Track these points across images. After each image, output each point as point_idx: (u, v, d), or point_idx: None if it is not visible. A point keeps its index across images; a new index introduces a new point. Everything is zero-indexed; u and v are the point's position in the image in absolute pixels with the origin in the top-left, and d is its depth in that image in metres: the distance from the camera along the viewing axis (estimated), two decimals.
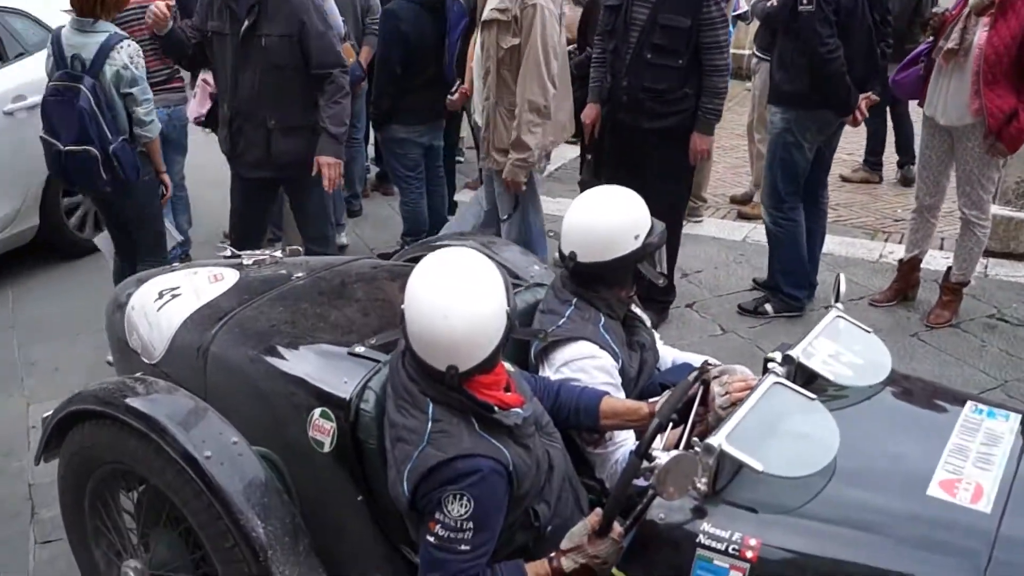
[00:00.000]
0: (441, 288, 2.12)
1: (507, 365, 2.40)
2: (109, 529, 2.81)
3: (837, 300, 2.59)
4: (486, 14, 4.58)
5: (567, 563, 2.12)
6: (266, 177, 4.55)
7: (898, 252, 5.68)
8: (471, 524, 2.09)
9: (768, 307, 5.17)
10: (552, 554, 2.16)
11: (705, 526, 1.95)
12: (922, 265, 5.35)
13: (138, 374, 2.78)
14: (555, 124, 4.72)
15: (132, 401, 2.51)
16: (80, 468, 2.73)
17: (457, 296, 2.10)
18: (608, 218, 2.68)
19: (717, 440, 1.94)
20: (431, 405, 2.17)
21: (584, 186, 4.88)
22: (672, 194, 4.77)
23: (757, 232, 6.28)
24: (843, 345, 2.42)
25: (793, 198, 5.03)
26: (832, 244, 5.81)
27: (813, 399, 2.16)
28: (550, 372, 2.67)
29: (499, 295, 2.15)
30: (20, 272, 5.88)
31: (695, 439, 1.97)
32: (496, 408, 2.16)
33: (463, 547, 2.10)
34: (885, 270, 5.76)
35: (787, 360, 2.29)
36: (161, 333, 2.98)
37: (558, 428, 2.49)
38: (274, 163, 4.45)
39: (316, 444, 2.48)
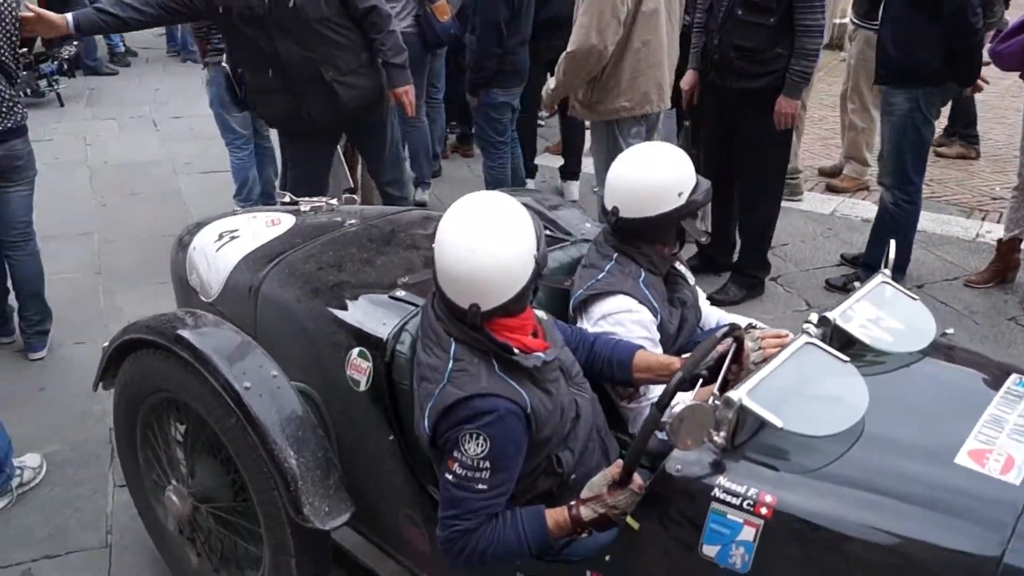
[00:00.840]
0: (469, 226, 2.14)
1: (540, 313, 2.41)
2: (157, 455, 2.91)
3: (886, 266, 2.54)
4: None
5: (586, 512, 2.13)
6: (338, 127, 4.62)
7: (996, 231, 5.51)
8: (487, 463, 2.11)
9: (858, 284, 5.02)
10: (572, 502, 2.17)
11: (721, 480, 1.93)
12: (1022, 246, 5.17)
13: (187, 308, 2.85)
14: (633, 90, 4.55)
15: (180, 332, 2.59)
16: (133, 396, 2.83)
17: (484, 235, 2.11)
18: (652, 174, 2.66)
19: (737, 394, 1.92)
20: (453, 344, 2.19)
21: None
22: (767, 162, 4.71)
23: (846, 206, 6.16)
24: (885, 311, 2.37)
25: (920, 178, 4.87)
26: (925, 222, 5.59)
27: (846, 361, 2.12)
28: (588, 325, 2.67)
29: (527, 240, 2.16)
30: (106, 219, 6.09)
31: (715, 392, 1.94)
32: (516, 350, 2.16)
33: (480, 486, 2.12)
34: (982, 250, 5.58)
35: (823, 321, 2.25)
36: (218, 273, 3.06)
37: (591, 380, 2.50)
38: (343, 112, 4.44)
39: (353, 383, 2.53)
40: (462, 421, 2.12)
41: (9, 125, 4.03)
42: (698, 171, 2.75)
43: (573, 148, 6.54)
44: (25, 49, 8.04)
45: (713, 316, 2.98)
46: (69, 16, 4.14)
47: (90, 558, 3.26)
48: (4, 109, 4.00)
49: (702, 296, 3.01)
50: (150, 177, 6.73)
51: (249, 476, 2.51)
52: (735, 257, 5.17)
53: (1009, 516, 1.76)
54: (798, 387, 2.05)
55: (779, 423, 1.90)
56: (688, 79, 4.91)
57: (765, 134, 4.66)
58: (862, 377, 2.08)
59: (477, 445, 2.11)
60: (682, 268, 2.90)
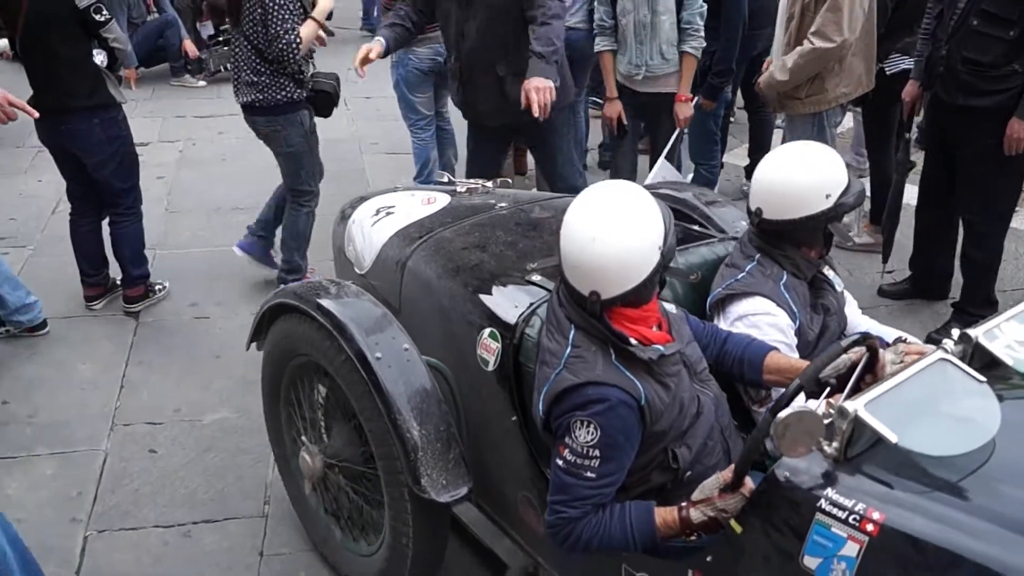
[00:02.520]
0: (595, 215, 2.14)
1: (669, 306, 2.40)
2: (300, 415, 3.06)
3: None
4: None
5: (695, 514, 2.10)
6: (505, 124, 4.51)
7: None
8: (597, 452, 2.11)
9: None
10: (683, 503, 2.14)
11: (829, 492, 1.87)
12: None
13: (331, 278, 2.97)
14: (850, 75, 4.48)
15: (322, 300, 2.71)
16: (279, 357, 2.99)
17: (608, 224, 2.11)
18: (798, 175, 2.58)
19: (854, 405, 1.85)
20: (573, 330, 2.20)
21: (900, 167, 4.65)
22: (992, 186, 4.29)
23: None
24: None
25: None
26: None
27: (982, 382, 2.00)
28: (724, 324, 2.63)
29: (653, 231, 2.14)
30: None
31: (829, 401, 1.88)
32: (634, 341, 2.15)
33: (589, 474, 2.13)
34: None
35: (964, 338, 2.14)
36: (372, 246, 3.19)
37: (722, 379, 2.46)
38: (510, 110, 4.28)
39: (482, 362, 2.59)
40: (574, 408, 2.13)
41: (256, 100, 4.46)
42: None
43: (762, 146, 6.29)
44: (227, 26, 8.45)
45: (863, 326, 2.87)
46: (382, 39, 4.44)
47: (247, 526, 3.35)
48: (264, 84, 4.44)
49: (853, 305, 2.91)
50: (336, 155, 6.86)
51: (375, 444, 2.60)
52: (949, 287, 4.85)
53: None
54: (924, 404, 1.96)
55: (894, 438, 1.82)
56: (909, 90, 4.66)
57: (992, 158, 4.19)
58: (997, 400, 1.96)
59: (587, 433, 2.12)
60: (830, 274, 2.80)
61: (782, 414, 1.80)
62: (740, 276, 2.65)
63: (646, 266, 2.14)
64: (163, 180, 6.45)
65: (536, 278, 2.63)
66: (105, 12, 4.25)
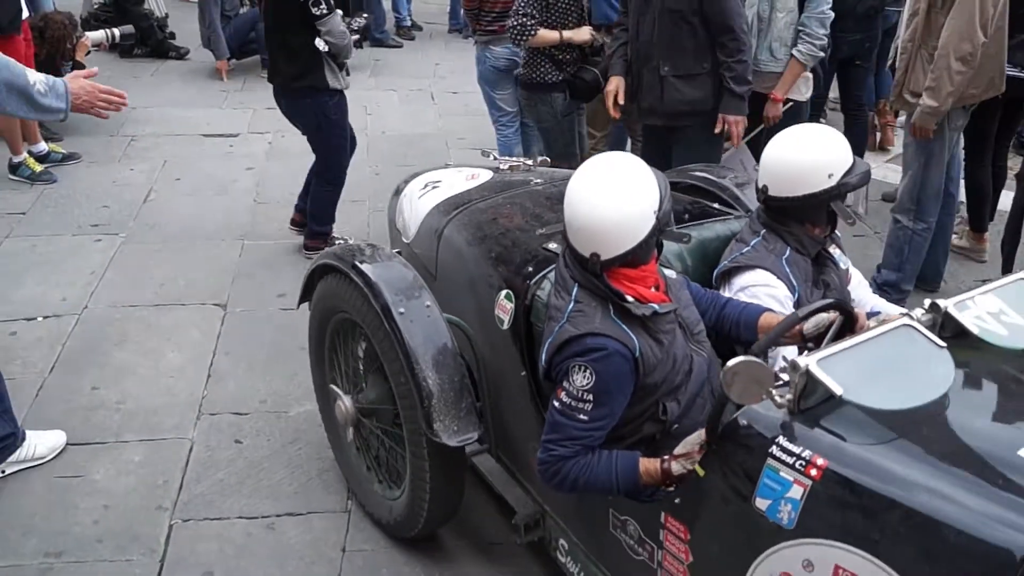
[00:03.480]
0: (593, 181, 2.34)
1: (670, 272, 2.57)
2: (340, 371, 3.32)
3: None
4: None
5: (676, 467, 2.27)
6: (657, 125, 4.52)
7: None
8: (591, 396, 2.31)
9: None
10: (666, 456, 2.32)
11: (781, 439, 2.02)
12: None
13: (368, 242, 3.20)
14: (981, 76, 4.30)
15: (357, 261, 2.96)
16: (323, 313, 3.25)
17: (605, 189, 2.31)
18: (801, 154, 2.72)
19: (806, 360, 2.00)
20: (576, 288, 2.40)
21: (1020, 181, 4.59)
22: None
23: None
24: (1013, 306, 2.31)
25: None
26: None
27: (942, 347, 2.12)
28: (728, 295, 2.78)
29: (647, 197, 2.32)
30: (377, 188, 6.49)
31: (784, 355, 2.04)
32: (630, 298, 2.34)
33: (581, 416, 2.32)
34: None
35: (933, 308, 2.26)
36: (416, 217, 3.43)
37: (723, 344, 2.62)
38: (666, 111, 4.35)
39: (498, 320, 2.80)
40: (574, 355, 2.33)
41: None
42: None
43: (856, 149, 6.28)
44: None
45: (868, 303, 2.98)
46: None
47: (330, 520, 3.34)
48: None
49: (864, 285, 3.02)
50: (423, 149, 7.04)
51: (398, 393, 2.84)
52: None
53: None
54: (880, 363, 2.08)
55: (839, 391, 1.96)
56: None
57: None
58: (953, 364, 2.08)
59: (584, 377, 2.31)
60: (836, 252, 2.92)
61: (731, 363, 1.96)
62: (745, 250, 2.80)
63: (642, 229, 2.32)
64: (252, 171, 6.57)
65: (552, 246, 2.82)
66: (322, 7, 4.68)
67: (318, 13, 4.66)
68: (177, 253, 5.29)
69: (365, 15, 8.74)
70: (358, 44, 8.79)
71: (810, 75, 4.79)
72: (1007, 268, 4.57)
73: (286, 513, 3.37)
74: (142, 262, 5.18)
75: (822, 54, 4.69)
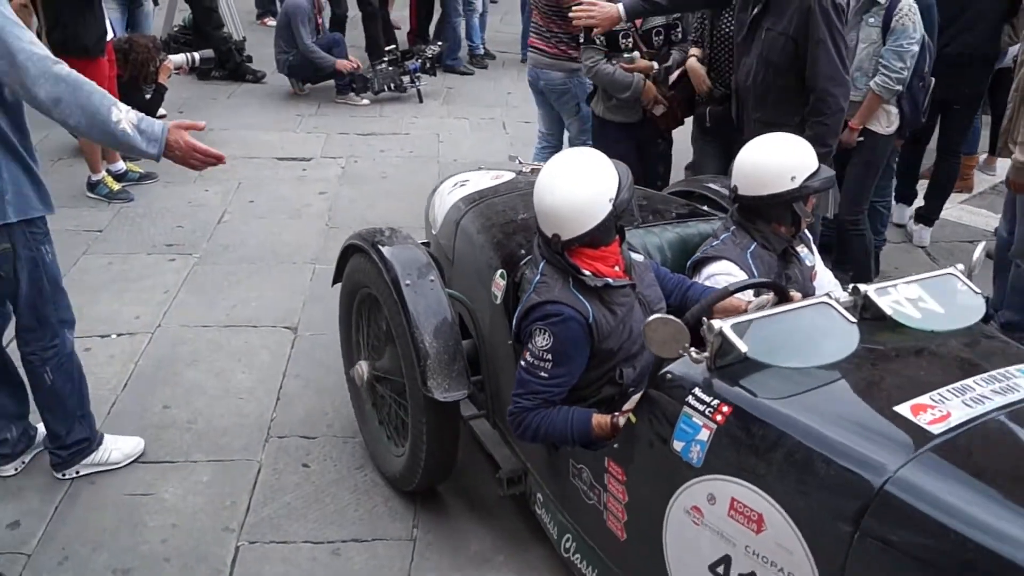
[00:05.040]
0: (556, 171, 2.71)
1: (638, 257, 2.92)
2: (364, 343, 3.72)
3: (972, 269, 2.72)
4: None
5: (622, 421, 2.61)
6: None
7: None
8: (550, 356, 2.68)
9: None
10: (616, 412, 2.66)
11: (696, 390, 2.34)
12: None
13: (391, 228, 3.59)
14: None
15: (377, 241, 3.37)
16: (350, 289, 3.67)
17: (564, 178, 2.68)
18: (766, 158, 3.03)
19: (720, 323, 2.32)
20: (543, 263, 2.77)
21: None
22: None
23: None
24: (934, 295, 2.58)
25: None
26: None
27: (852, 322, 2.41)
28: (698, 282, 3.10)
29: (603, 186, 2.68)
30: None
31: (706, 319, 2.35)
32: (587, 273, 2.69)
33: (542, 374, 2.70)
34: None
35: (855, 291, 2.54)
36: (443, 210, 3.84)
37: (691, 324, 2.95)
38: None
39: (494, 297, 3.18)
40: (535, 319, 2.70)
41: None
42: None
43: (942, 192, 6.16)
44: (393, 46, 8.98)
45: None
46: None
47: (395, 548, 3.34)
48: None
49: (832, 282, 3.29)
50: None
51: (403, 356, 3.22)
52: None
53: (907, 454, 2.03)
54: (791, 331, 2.40)
55: (744, 348, 2.28)
56: None
57: None
58: (859, 337, 2.37)
59: (543, 339, 2.68)
60: (804, 250, 3.21)
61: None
62: (715, 243, 3.12)
63: (597, 214, 2.68)
64: (324, 195, 6.58)
65: None
66: None
67: None
68: (249, 275, 5.33)
69: (440, 43, 9.29)
70: (432, 71, 9.02)
71: (893, 109, 4.78)
72: None
73: (352, 539, 3.38)
74: (215, 283, 5.22)
75: (899, 88, 4.66)
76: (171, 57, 6.88)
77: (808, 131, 3.94)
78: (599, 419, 2.68)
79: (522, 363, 2.73)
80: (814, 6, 3.79)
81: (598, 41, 4.64)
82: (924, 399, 2.18)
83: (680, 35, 4.82)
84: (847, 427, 2.15)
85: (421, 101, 8.70)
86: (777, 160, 3.03)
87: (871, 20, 4.65)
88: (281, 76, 8.81)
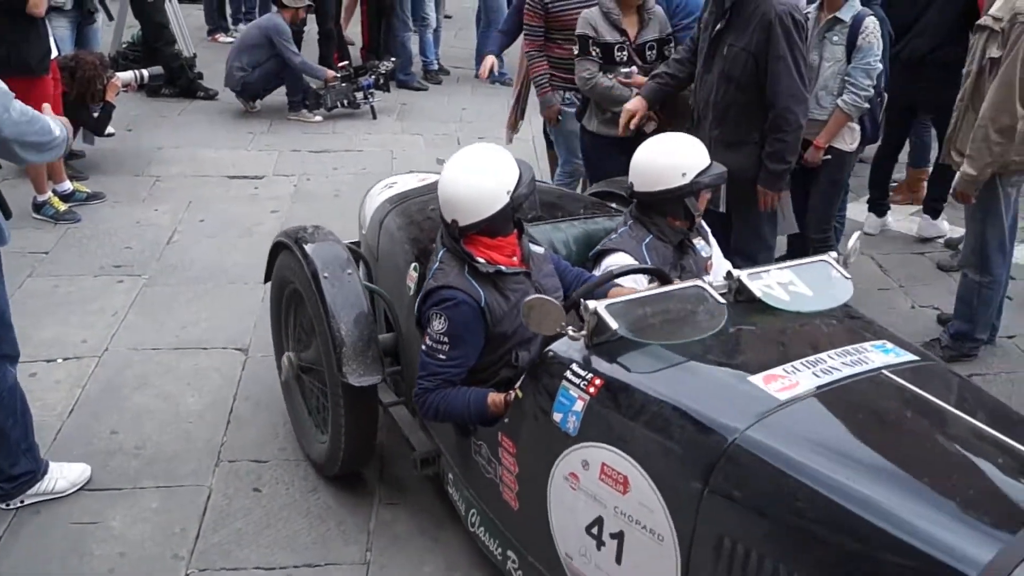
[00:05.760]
0: (461, 161, 2.94)
1: (538, 248, 3.12)
2: (292, 336, 3.90)
3: (847, 258, 2.92)
4: (981, 19, 4.35)
5: (512, 397, 2.80)
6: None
7: None
8: (447, 339, 2.86)
9: None
10: (509, 391, 2.84)
11: (574, 365, 2.54)
12: None
13: (315, 225, 3.76)
14: None
15: (301, 238, 3.55)
16: (279, 285, 3.84)
17: (464, 168, 2.89)
18: (659, 157, 3.24)
19: (595, 304, 2.51)
20: (442, 251, 2.96)
21: None
22: None
23: None
24: (804, 279, 2.78)
25: None
26: None
27: (722, 303, 2.61)
28: (597, 273, 3.29)
29: (504, 178, 2.88)
30: None
31: (583, 300, 2.55)
32: (481, 260, 2.89)
33: (440, 356, 2.88)
34: None
35: (729, 276, 2.75)
36: (370, 210, 4.02)
37: None
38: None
39: (408, 289, 3.36)
40: (432, 304, 2.90)
41: None
42: None
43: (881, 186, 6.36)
44: (347, 62, 8.93)
45: None
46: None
47: (348, 572, 3.30)
48: None
49: (720, 271, 3.47)
50: None
51: (320, 342, 3.40)
52: None
53: (753, 418, 2.22)
54: (664, 311, 2.60)
55: (615, 326, 2.47)
56: None
57: None
58: (727, 316, 2.56)
59: (440, 323, 2.87)
60: (700, 242, 3.41)
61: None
62: (613, 236, 3.32)
63: (494, 204, 2.87)
64: (277, 214, 6.44)
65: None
66: None
67: None
68: (199, 296, 5.22)
69: (393, 59, 9.29)
70: (385, 88, 8.91)
71: (856, 127, 4.77)
72: None
73: (304, 564, 3.32)
74: (164, 304, 5.11)
75: (867, 105, 4.64)
76: (119, 75, 6.79)
77: (768, 147, 4.10)
78: (494, 397, 2.86)
79: (423, 347, 2.92)
80: (775, 22, 3.91)
81: (594, 53, 4.70)
82: (777, 370, 2.38)
83: (673, 50, 4.77)
84: (702, 396, 2.36)
85: (375, 117, 8.68)
86: (669, 158, 3.23)
87: (835, 39, 4.61)
88: (230, 94, 8.69)
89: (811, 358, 2.44)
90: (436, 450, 3.37)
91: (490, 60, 6.39)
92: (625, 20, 4.69)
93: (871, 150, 5.89)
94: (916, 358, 2.51)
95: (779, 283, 2.77)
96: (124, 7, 8.93)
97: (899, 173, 6.86)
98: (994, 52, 4.15)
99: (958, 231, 5.89)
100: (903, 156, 6.63)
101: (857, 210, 6.43)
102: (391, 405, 3.61)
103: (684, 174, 3.20)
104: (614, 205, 3.81)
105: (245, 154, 7.69)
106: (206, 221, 6.29)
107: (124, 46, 9.00)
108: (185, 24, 9.67)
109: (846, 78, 4.58)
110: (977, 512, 1.97)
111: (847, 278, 2.87)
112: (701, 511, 2.20)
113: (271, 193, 6.90)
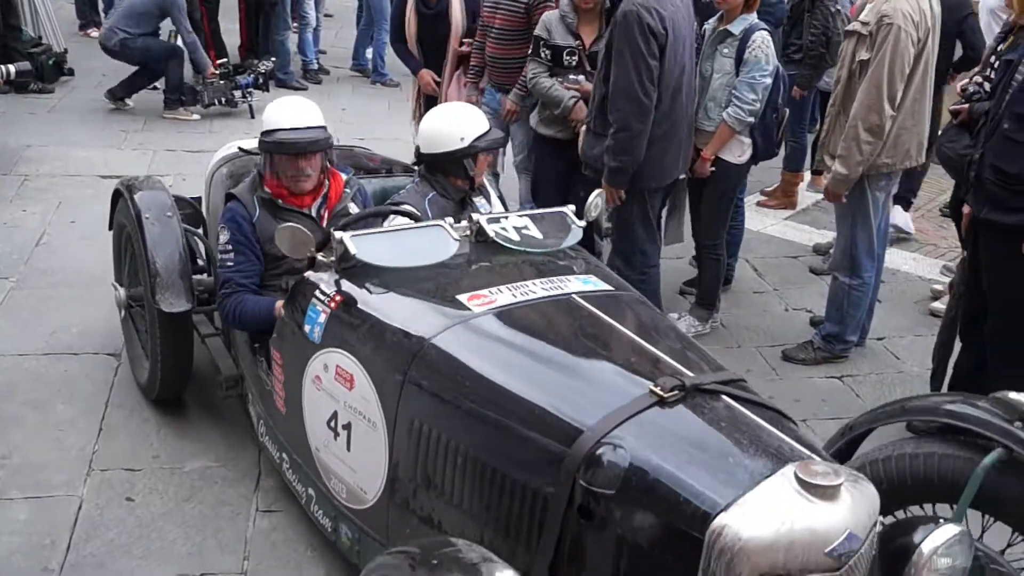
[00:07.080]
0: (438, 108, 3.79)
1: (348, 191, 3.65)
2: (125, 270, 4.34)
3: (587, 212, 3.40)
4: (851, 24, 4.57)
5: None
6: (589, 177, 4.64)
7: None
8: (230, 247, 3.45)
9: None
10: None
11: (323, 285, 3.03)
12: None
13: (147, 175, 4.22)
14: (896, 147, 4.45)
15: (132, 186, 4.00)
16: (117, 230, 4.28)
17: (439, 113, 3.75)
18: (440, 122, 3.71)
19: (341, 234, 2.99)
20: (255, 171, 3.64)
21: (955, 290, 4.32)
22: (1016, 321, 3.77)
23: None
24: (538, 225, 3.27)
25: None
26: None
27: (456, 240, 3.09)
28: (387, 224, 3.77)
29: (463, 127, 3.62)
30: None
31: (333, 231, 3.02)
32: (266, 190, 3.53)
33: (229, 263, 3.46)
34: None
35: (469, 219, 3.23)
36: (210, 169, 4.45)
37: None
38: (585, 163, 4.65)
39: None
40: (222, 218, 3.50)
41: None
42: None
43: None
44: (225, 59, 8.90)
45: None
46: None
47: None
48: None
49: None
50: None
51: (143, 276, 3.84)
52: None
53: (447, 324, 2.72)
54: (405, 244, 3.08)
55: (353, 250, 2.95)
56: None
57: (1014, 285, 3.75)
58: (454, 250, 3.05)
59: (223, 235, 3.47)
60: (480, 201, 3.89)
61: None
62: (402, 192, 3.79)
63: (448, 144, 3.62)
64: None
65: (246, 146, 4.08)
66: None
67: None
68: (70, 300, 5.02)
69: (272, 59, 9.18)
70: (264, 87, 8.68)
71: (746, 140, 4.81)
72: (937, 379, 4.30)
73: (180, 575, 3.25)
74: (33, 309, 4.92)
75: (751, 119, 4.69)
76: None
77: (607, 141, 4.35)
78: (279, 304, 3.32)
79: (219, 259, 3.47)
80: (619, 19, 4.16)
81: (543, 55, 4.92)
82: (483, 291, 2.87)
83: None
84: (415, 308, 2.86)
85: (253, 117, 8.31)
86: (449, 124, 3.70)
87: (725, 51, 4.70)
88: (102, 90, 8.56)
89: (517, 284, 2.93)
90: (240, 374, 3.81)
91: (427, 75, 6.29)
92: (582, 26, 4.89)
93: None
94: (610, 288, 3.01)
95: (514, 227, 3.25)
96: None
97: (775, 178, 7.26)
98: (863, 55, 4.31)
99: (828, 235, 6.23)
100: (777, 162, 6.61)
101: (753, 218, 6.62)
102: (208, 336, 4.04)
103: (463, 139, 3.67)
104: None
105: (118, 153, 7.48)
106: (77, 222, 6.02)
107: None
108: (56, 18, 9.51)
109: (732, 91, 4.66)
110: (599, 393, 2.46)
111: (580, 227, 3.36)
112: (401, 399, 2.69)
113: None
